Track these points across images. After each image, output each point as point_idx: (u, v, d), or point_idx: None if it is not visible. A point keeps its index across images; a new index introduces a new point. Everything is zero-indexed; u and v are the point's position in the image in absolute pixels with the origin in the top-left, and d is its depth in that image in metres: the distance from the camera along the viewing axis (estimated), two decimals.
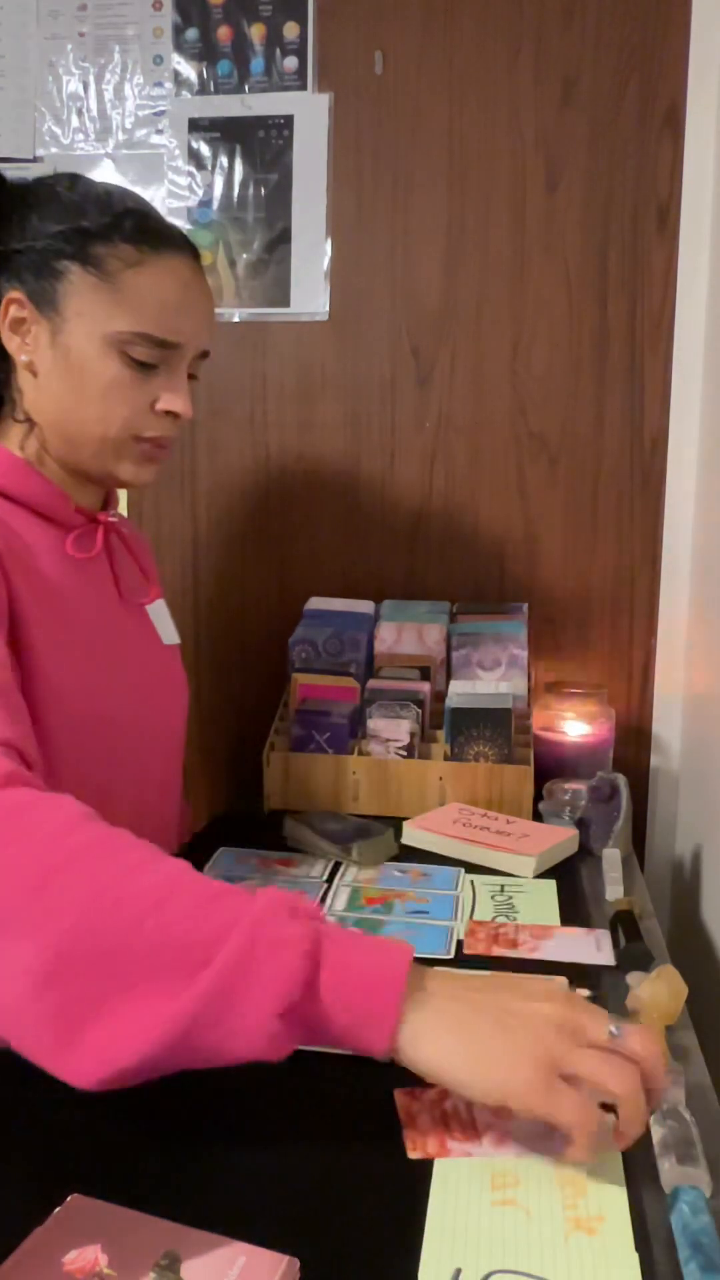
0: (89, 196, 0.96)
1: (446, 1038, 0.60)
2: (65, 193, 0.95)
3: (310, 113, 1.51)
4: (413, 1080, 0.63)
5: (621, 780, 1.19)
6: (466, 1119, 0.67)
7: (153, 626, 1.12)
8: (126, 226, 0.94)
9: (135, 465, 0.99)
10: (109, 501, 1.08)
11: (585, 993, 0.83)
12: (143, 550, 1.17)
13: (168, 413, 0.97)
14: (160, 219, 0.98)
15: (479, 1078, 0.59)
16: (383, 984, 0.60)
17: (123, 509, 1.59)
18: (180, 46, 1.53)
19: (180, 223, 1.55)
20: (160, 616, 1.15)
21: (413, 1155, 0.64)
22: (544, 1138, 0.62)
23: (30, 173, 1.57)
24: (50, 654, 0.90)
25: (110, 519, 1.04)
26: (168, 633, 1.15)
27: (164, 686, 1.11)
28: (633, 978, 0.83)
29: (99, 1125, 0.65)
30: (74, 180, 0.98)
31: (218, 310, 1.55)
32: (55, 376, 0.95)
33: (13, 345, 0.95)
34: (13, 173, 1.00)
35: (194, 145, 1.54)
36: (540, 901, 1.02)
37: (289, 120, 1.51)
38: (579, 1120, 0.58)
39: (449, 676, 1.39)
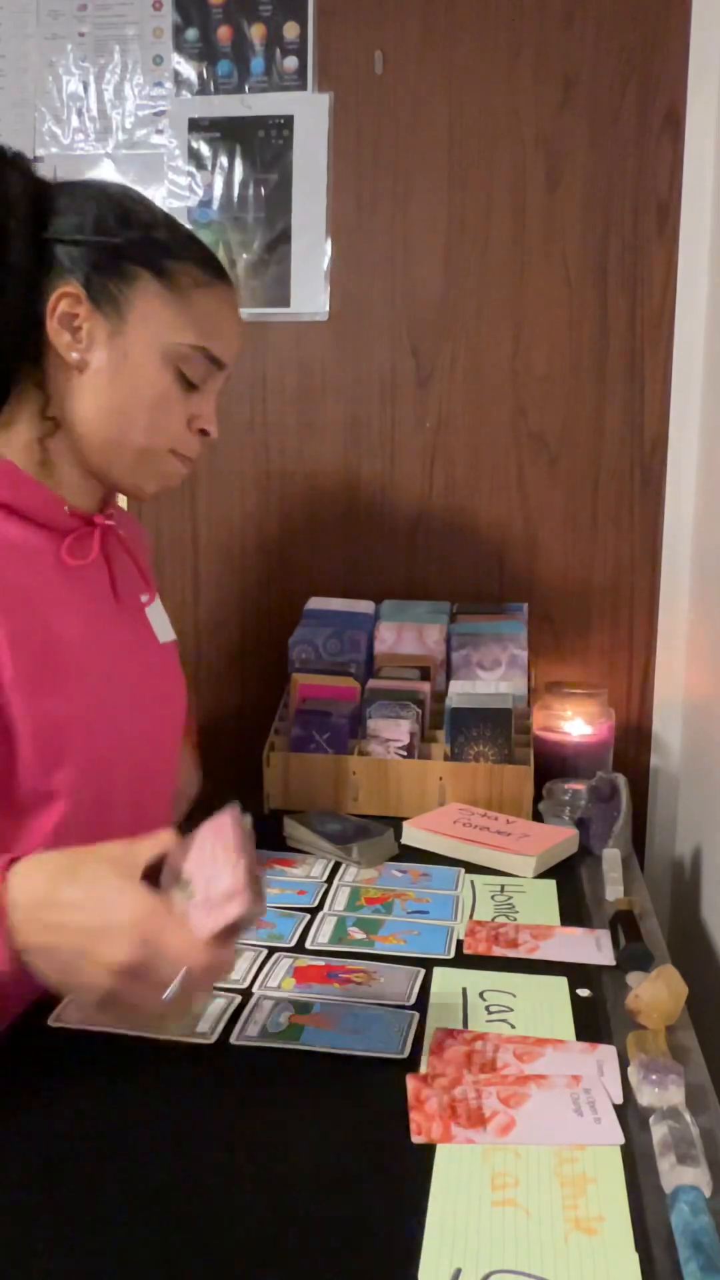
0: (156, 212, 0.98)
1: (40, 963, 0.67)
2: (129, 201, 0.97)
3: (310, 113, 1.50)
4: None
5: (621, 780, 1.19)
6: (474, 1106, 0.67)
7: (150, 627, 1.11)
8: (196, 251, 0.97)
9: (161, 480, 1.00)
10: (106, 502, 1.06)
11: (585, 992, 0.83)
12: (140, 548, 1.16)
13: (201, 432, 0.99)
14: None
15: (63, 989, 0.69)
16: None
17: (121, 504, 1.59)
18: (180, 46, 1.53)
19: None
20: (157, 615, 1.13)
21: (417, 1140, 0.64)
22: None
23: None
24: (32, 660, 0.90)
25: (107, 521, 1.02)
26: (164, 631, 1.14)
27: (161, 687, 1.11)
28: (633, 978, 0.83)
29: (99, 1119, 0.65)
30: (130, 191, 1.00)
31: None
32: (106, 379, 0.93)
33: (61, 341, 0.93)
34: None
35: (194, 145, 1.54)
36: (540, 901, 1.02)
37: (289, 120, 1.51)
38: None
39: (449, 676, 1.39)
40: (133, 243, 0.93)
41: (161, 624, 1.13)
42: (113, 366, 0.93)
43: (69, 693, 0.93)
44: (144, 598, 1.10)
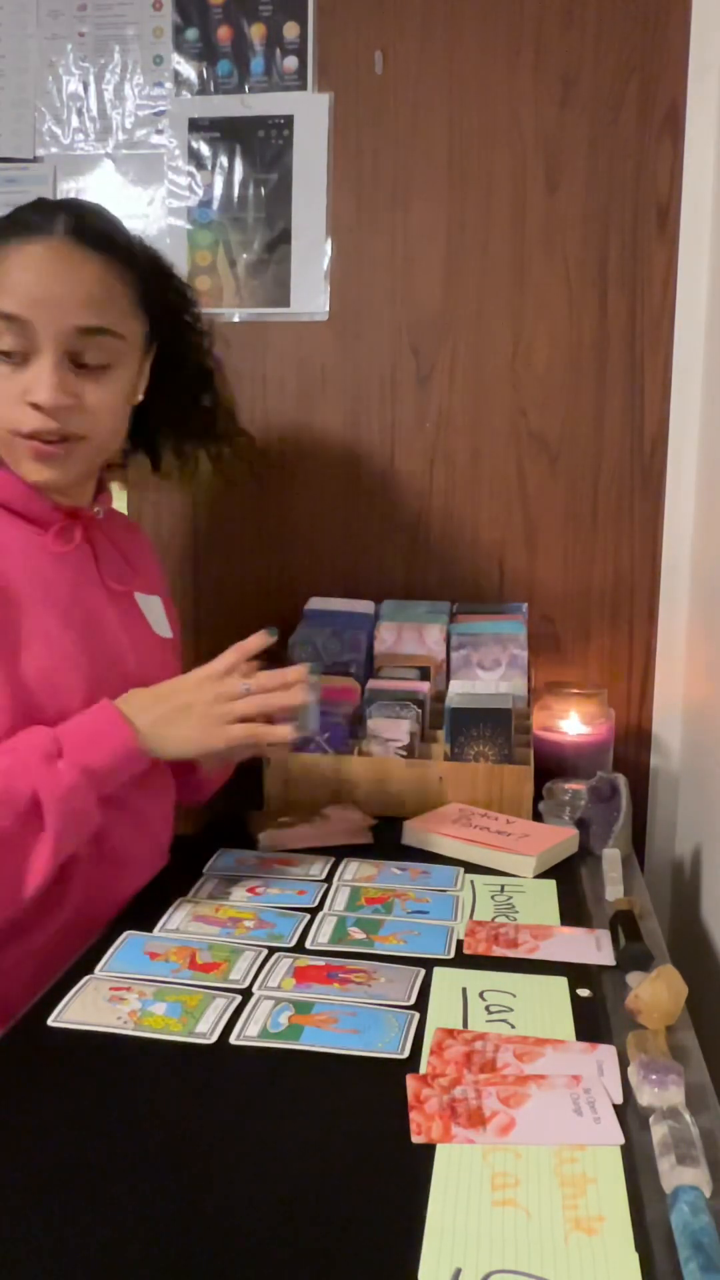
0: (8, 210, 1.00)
1: (158, 736, 0.96)
2: None
3: (310, 113, 1.50)
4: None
5: (621, 780, 1.19)
6: (474, 1106, 0.67)
7: (141, 615, 1.15)
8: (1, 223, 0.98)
9: (30, 464, 0.99)
10: (99, 497, 1.12)
11: (585, 992, 0.83)
12: (134, 545, 1.20)
13: (35, 405, 0.96)
14: (50, 208, 0.99)
15: (179, 751, 0.97)
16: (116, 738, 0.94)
17: (122, 508, 1.59)
18: (180, 46, 1.53)
19: (180, 223, 1.55)
20: (152, 611, 1.17)
21: (417, 1140, 0.64)
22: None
23: (30, 173, 1.58)
24: (20, 641, 0.95)
25: (93, 512, 1.08)
26: (159, 626, 1.17)
27: (152, 673, 1.12)
28: (633, 978, 0.83)
29: (99, 1119, 0.66)
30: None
31: (218, 310, 1.54)
32: None
33: None
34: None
35: (194, 145, 1.54)
36: (540, 901, 1.02)
37: (289, 120, 1.51)
38: (241, 735, 0.97)
39: (449, 676, 1.39)
40: None
41: (157, 619, 1.17)
42: None
43: (54, 652, 0.98)
44: (134, 589, 1.14)
